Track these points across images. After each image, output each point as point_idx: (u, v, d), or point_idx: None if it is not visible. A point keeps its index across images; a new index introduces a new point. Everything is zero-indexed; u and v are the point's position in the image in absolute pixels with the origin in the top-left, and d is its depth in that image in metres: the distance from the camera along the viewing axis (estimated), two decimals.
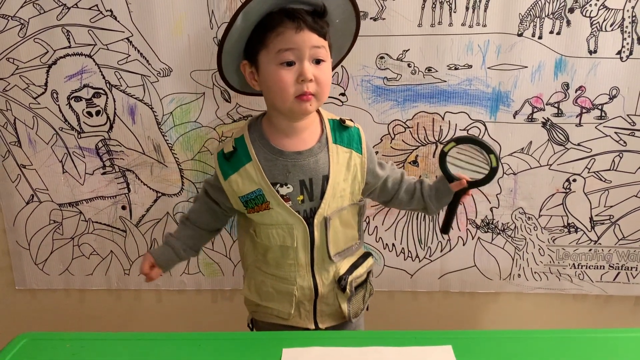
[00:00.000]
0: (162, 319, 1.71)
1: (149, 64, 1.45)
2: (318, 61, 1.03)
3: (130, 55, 1.44)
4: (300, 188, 1.09)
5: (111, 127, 1.51)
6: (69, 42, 1.43)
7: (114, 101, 1.49)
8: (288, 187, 1.08)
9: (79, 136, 1.53)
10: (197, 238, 1.24)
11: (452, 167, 1.14)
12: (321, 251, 1.13)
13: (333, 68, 1.15)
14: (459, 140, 1.12)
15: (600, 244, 1.57)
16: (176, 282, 1.67)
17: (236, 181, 1.10)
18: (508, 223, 1.57)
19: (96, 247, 1.64)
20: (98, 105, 1.50)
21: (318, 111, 1.15)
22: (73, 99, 1.49)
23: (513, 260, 1.60)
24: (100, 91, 1.48)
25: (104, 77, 1.47)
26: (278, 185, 1.08)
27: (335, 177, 1.10)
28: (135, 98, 1.48)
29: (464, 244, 1.60)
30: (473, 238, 1.59)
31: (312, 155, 1.09)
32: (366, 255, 1.23)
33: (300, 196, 1.09)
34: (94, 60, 1.45)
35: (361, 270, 1.20)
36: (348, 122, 1.14)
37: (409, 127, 1.49)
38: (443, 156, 1.13)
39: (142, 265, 1.20)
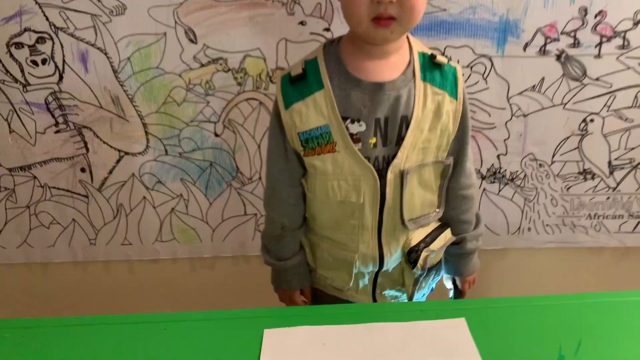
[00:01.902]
0: (135, 292, 1.58)
1: (99, 1, 1.24)
2: None
3: None
4: (374, 128, 0.89)
5: (61, 78, 1.32)
6: None
7: (62, 47, 1.29)
8: (360, 125, 0.89)
9: (25, 89, 1.33)
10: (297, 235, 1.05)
11: None
12: (393, 213, 0.94)
13: None
14: None
15: (619, 191, 1.44)
16: (149, 251, 1.51)
17: (299, 111, 0.90)
18: (517, 171, 1.42)
19: (56, 215, 1.47)
20: (43, 53, 1.29)
21: (407, 38, 0.93)
22: (13, 46, 1.28)
23: (523, 212, 1.47)
24: (45, 35, 1.28)
25: (47, 19, 1.26)
26: (349, 120, 0.89)
27: (420, 123, 0.90)
28: (86, 42, 1.28)
29: None
30: (478, 189, 1.43)
31: (393, 89, 0.89)
32: (444, 226, 1.04)
33: (374, 138, 0.90)
34: None
35: (438, 244, 1.00)
36: (440, 58, 0.93)
37: None
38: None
39: (298, 303, 1.08)
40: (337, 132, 0.89)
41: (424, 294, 1.08)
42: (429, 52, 0.94)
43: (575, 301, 0.90)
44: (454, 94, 0.92)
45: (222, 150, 1.39)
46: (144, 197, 1.45)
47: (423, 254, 0.98)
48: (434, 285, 1.11)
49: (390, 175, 0.91)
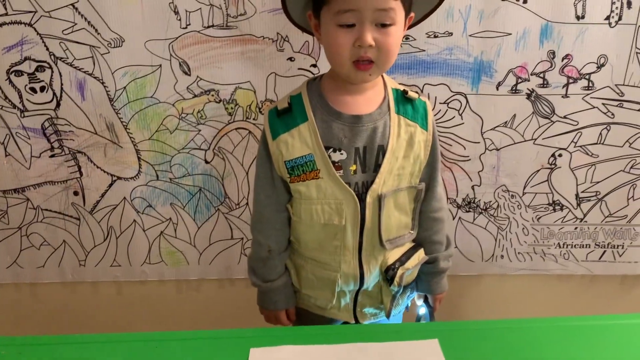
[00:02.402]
0: (122, 313, 1.60)
1: (98, 33, 1.30)
2: (384, 24, 0.89)
3: (76, 24, 1.29)
4: (354, 156, 0.97)
5: (58, 105, 1.37)
6: (5, 8, 1.28)
7: (60, 75, 1.34)
8: (342, 154, 0.97)
9: (22, 115, 1.38)
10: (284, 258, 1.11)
11: None
12: (372, 234, 1.01)
13: (420, 21, 1.04)
14: None
15: (586, 221, 1.51)
16: (137, 273, 1.55)
17: (286, 142, 0.98)
18: (490, 202, 1.49)
19: (47, 236, 1.51)
20: (42, 80, 1.35)
21: (382, 76, 1.03)
22: (13, 74, 1.34)
23: (496, 240, 1.53)
24: (44, 64, 1.33)
25: (47, 49, 1.32)
26: (331, 150, 0.97)
27: (395, 151, 0.98)
28: (84, 72, 1.34)
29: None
30: (454, 218, 1.51)
31: (371, 122, 0.98)
32: (417, 246, 1.10)
33: (354, 165, 0.97)
34: (35, 30, 1.30)
35: (412, 262, 1.07)
36: (412, 94, 1.02)
37: None
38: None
39: (283, 323, 1.13)
40: (321, 160, 0.97)
41: (400, 311, 1.14)
42: (401, 88, 1.03)
43: (544, 324, 0.95)
44: (424, 125, 1.02)
45: (212, 176, 1.45)
46: (134, 221, 1.49)
47: (399, 272, 1.04)
48: (408, 303, 1.17)
49: (369, 199, 0.98)
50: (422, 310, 1.16)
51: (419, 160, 1.01)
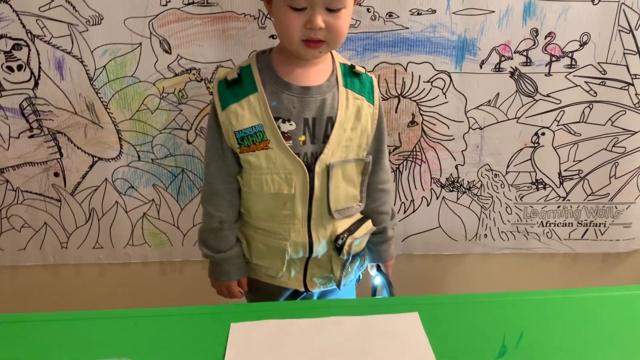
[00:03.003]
0: (106, 296, 1.59)
1: (76, 10, 1.28)
2: (335, 9, 0.92)
3: (53, 1, 1.27)
4: (303, 127, 0.99)
5: (36, 84, 1.35)
6: None
7: (38, 54, 1.32)
8: (291, 124, 0.99)
9: (0, 95, 1.35)
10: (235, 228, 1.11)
11: None
12: (321, 203, 1.03)
13: None
14: None
15: (569, 200, 1.52)
16: (120, 255, 1.54)
17: (235, 112, 0.99)
18: (474, 181, 1.49)
19: (28, 218, 1.49)
20: (19, 59, 1.32)
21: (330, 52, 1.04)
22: None
23: (479, 220, 1.54)
24: (21, 42, 1.31)
25: (24, 26, 1.29)
26: (280, 120, 0.98)
27: (343, 123, 1.00)
28: (63, 50, 1.32)
29: (427, 205, 1.52)
30: (437, 198, 1.51)
31: (319, 93, 1.00)
32: (365, 218, 1.13)
33: (303, 136, 0.99)
34: (10, 7, 1.27)
35: (361, 232, 1.10)
36: (359, 69, 1.05)
37: None
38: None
39: (235, 294, 1.14)
40: (270, 130, 0.98)
41: (350, 280, 1.15)
42: (349, 63, 1.05)
43: (519, 298, 0.97)
44: (371, 100, 1.05)
45: (194, 157, 1.44)
46: (116, 202, 1.48)
47: (348, 241, 1.07)
48: (359, 274, 1.20)
49: (317, 169, 1.00)
50: (378, 280, 1.18)
51: (366, 132, 1.04)
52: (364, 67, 1.06)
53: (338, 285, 1.11)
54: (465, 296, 0.98)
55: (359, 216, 1.12)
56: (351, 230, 1.08)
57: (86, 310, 0.93)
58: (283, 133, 0.98)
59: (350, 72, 1.04)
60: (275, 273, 1.10)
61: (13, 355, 0.84)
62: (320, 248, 1.07)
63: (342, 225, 1.08)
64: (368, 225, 1.12)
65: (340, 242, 1.06)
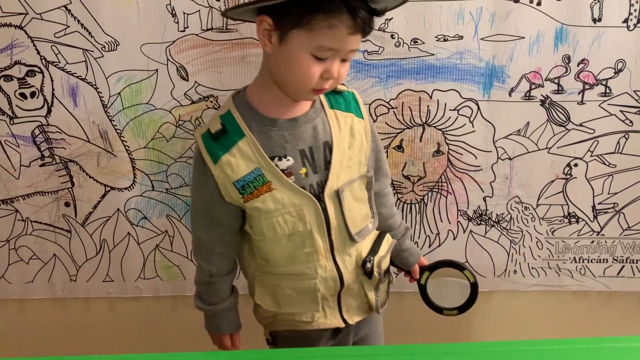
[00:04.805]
0: (115, 331, 1.53)
1: (92, 36, 1.25)
2: (346, 59, 0.93)
3: (69, 27, 1.24)
4: (301, 159, 0.97)
5: (49, 111, 1.31)
6: None
7: (52, 81, 1.29)
8: (288, 160, 0.96)
9: (12, 122, 1.32)
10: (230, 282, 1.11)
11: (435, 297, 1.20)
12: (339, 231, 1.00)
13: None
14: (430, 269, 1.20)
15: (603, 235, 1.44)
16: (131, 289, 1.48)
17: (229, 163, 0.96)
18: (503, 214, 1.42)
19: (36, 250, 1.44)
20: (33, 86, 1.29)
21: None
22: (2, 79, 1.28)
23: (508, 255, 1.46)
24: (35, 69, 1.28)
25: (38, 53, 1.26)
26: (276, 159, 0.96)
27: (340, 144, 0.99)
28: (77, 77, 1.29)
29: (454, 238, 1.45)
30: (464, 231, 1.44)
31: (308, 121, 0.98)
32: (382, 234, 1.10)
33: (303, 169, 0.97)
34: (25, 32, 1.24)
35: (384, 248, 1.08)
36: (340, 87, 1.03)
37: (392, 108, 1.33)
38: (423, 290, 1.21)
39: (227, 347, 1.13)
40: (269, 171, 0.96)
41: (386, 302, 1.14)
42: None
43: (556, 347, 0.90)
44: (359, 114, 1.04)
45: None
46: (128, 233, 1.43)
47: (375, 261, 1.04)
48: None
49: (327, 196, 0.98)
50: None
51: (363, 148, 1.03)
52: (343, 84, 1.03)
53: (377, 310, 1.09)
54: (503, 343, 0.91)
55: (375, 233, 1.10)
56: (374, 249, 1.06)
57: (97, 355, 0.87)
58: (283, 170, 0.96)
59: (332, 92, 1.02)
60: (311, 317, 1.05)
61: None
62: (350, 278, 1.04)
63: (364, 247, 1.06)
64: (388, 240, 1.11)
65: (368, 265, 1.03)
